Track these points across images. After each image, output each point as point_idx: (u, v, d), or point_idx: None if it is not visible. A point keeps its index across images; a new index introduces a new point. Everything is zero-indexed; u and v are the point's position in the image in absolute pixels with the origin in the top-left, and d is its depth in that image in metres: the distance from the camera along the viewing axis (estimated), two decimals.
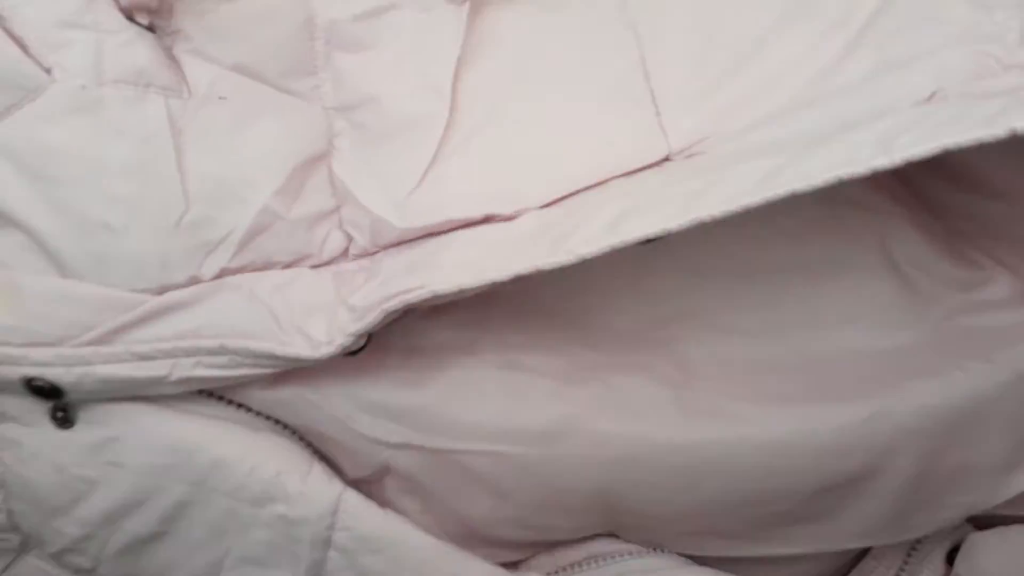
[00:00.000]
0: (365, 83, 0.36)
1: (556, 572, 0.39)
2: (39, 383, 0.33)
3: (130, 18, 0.34)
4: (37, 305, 0.33)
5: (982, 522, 0.41)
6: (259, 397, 0.36)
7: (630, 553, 0.39)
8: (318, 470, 0.36)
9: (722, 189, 0.30)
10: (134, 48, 0.34)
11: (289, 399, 0.36)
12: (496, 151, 0.35)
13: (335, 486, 0.36)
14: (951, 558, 0.41)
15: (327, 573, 0.35)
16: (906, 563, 0.41)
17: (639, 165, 0.35)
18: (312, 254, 0.36)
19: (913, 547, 0.41)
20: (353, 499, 0.35)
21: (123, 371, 0.33)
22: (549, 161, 0.35)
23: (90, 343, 0.33)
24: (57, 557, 0.36)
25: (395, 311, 0.33)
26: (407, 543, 0.36)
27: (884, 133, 0.29)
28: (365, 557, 0.35)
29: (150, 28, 0.35)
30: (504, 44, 0.37)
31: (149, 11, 0.35)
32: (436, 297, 0.32)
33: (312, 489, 0.35)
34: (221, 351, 0.33)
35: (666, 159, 0.35)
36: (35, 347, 0.33)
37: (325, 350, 0.33)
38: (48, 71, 0.33)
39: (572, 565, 0.39)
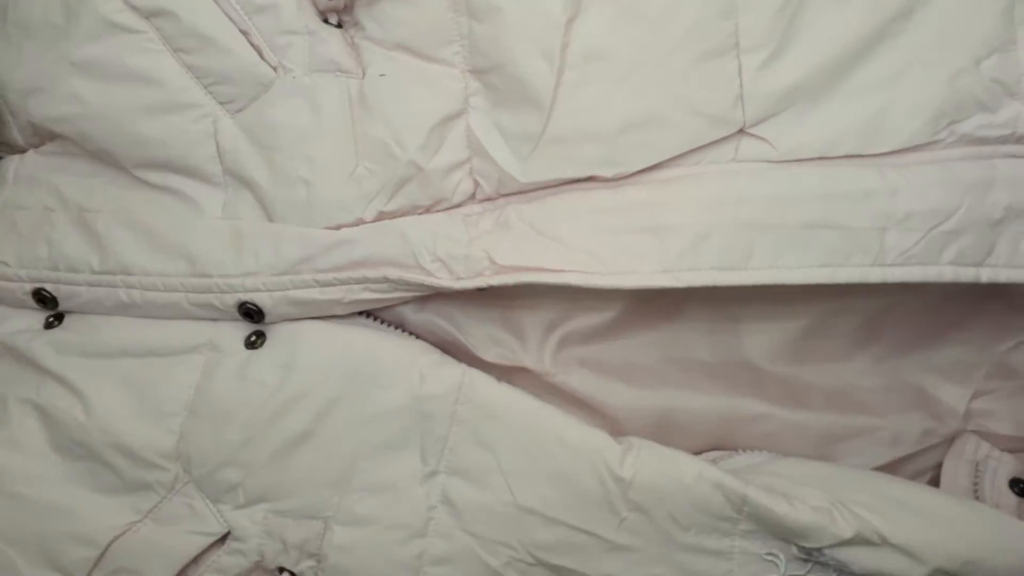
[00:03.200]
0: (493, 48, 0.42)
1: None
2: (250, 306, 0.43)
3: (325, 20, 0.44)
4: (252, 243, 0.43)
5: None
6: (407, 316, 0.45)
7: (737, 452, 0.45)
8: (447, 358, 0.44)
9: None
10: (328, 43, 0.43)
11: (429, 319, 0.44)
12: (598, 114, 0.41)
13: (460, 367, 0.43)
14: (1018, 491, 0.44)
15: (449, 448, 0.43)
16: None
17: (719, 136, 0.40)
18: (446, 198, 0.44)
19: (975, 489, 0.44)
20: (475, 374, 0.43)
21: (310, 295, 0.43)
22: (642, 128, 0.41)
23: (285, 272, 0.43)
24: (210, 477, 0.43)
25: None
26: (519, 406, 0.42)
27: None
28: (483, 423, 0.42)
29: (339, 24, 0.44)
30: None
31: (337, 11, 0.44)
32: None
33: (442, 370, 0.43)
34: (383, 280, 0.43)
35: (740, 131, 0.41)
36: (248, 276, 0.43)
37: (463, 283, 0.42)
38: (275, 69, 0.44)
39: None
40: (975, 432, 0.46)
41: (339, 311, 0.44)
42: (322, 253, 0.43)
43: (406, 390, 0.43)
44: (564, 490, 0.41)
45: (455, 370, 0.43)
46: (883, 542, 0.38)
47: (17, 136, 0.48)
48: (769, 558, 0.40)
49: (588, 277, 0.40)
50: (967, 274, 0.39)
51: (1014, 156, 0.40)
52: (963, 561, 0.38)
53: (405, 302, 0.44)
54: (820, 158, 0.40)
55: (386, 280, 0.42)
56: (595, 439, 0.41)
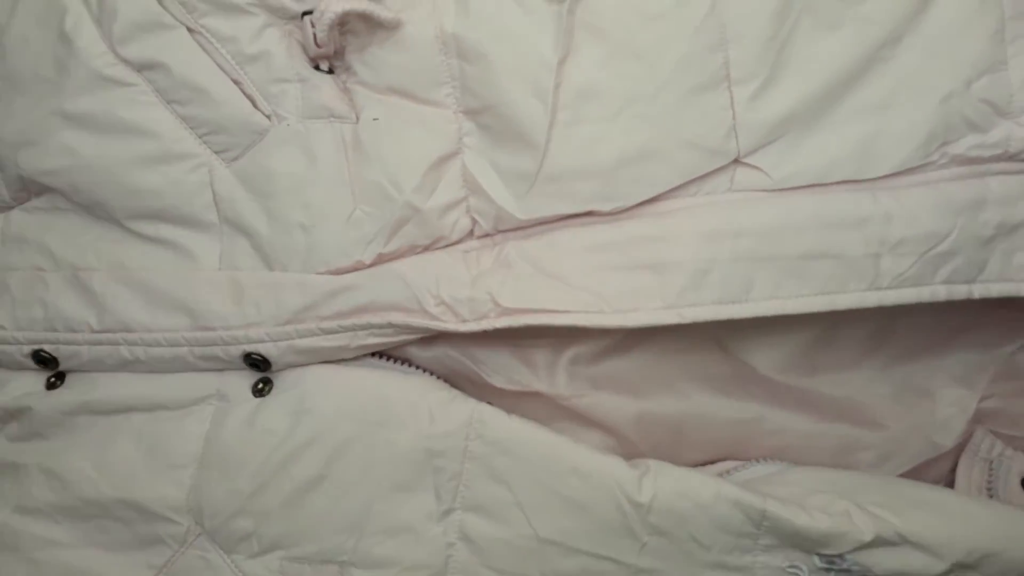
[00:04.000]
0: (485, 89, 0.43)
1: None
2: (255, 356, 0.43)
3: (316, 67, 0.44)
4: (252, 294, 0.43)
5: None
6: (413, 353, 0.45)
7: (750, 462, 0.46)
8: (456, 394, 0.44)
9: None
10: (321, 90, 0.44)
11: (437, 355, 0.45)
12: (593, 151, 0.42)
13: (470, 403, 0.44)
14: None
15: (464, 485, 0.43)
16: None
17: (715, 167, 0.41)
18: (444, 236, 0.44)
19: (988, 486, 0.46)
20: (484, 409, 0.43)
21: (315, 343, 0.43)
22: (637, 162, 0.42)
23: (288, 322, 0.43)
24: (223, 527, 0.43)
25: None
26: (531, 439, 0.43)
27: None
28: (496, 458, 0.43)
29: (330, 70, 0.44)
30: (602, 36, 0.42)
31: (328, 57, 0.44)
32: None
33: (451, 407, 0.43)
34: (388, 325, 0.43)
35: (735, 161, 0.42)
36: (251, 327, 0.43)
37: (469, 326, 0.42)
38: (269, 117, 0.44)
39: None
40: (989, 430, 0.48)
41: (346, 355, 0.44)
42: (324, 300, 0.43)
43: (416, 431, 0.43)
44: (583, 519, 0.42)
45: (465, 406, 0.43)
46: (902, 541, 0.40)
47: (4, 191, 0.48)
48: (792, 571, 0.41)
49: (592, 317, 0.41)
50: (960, 291, 0.41)
51: (1005, 173, 0.42)
52: (981, 555, 0.39)
53: (411, 342, 0.44)
54: (815, 185, 0.41)
55: (391, 326, 0.43)
56: (610, 466, 0.42)
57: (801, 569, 0.41)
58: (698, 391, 0.48)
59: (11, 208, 0.49)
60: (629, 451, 0.45)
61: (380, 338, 0.43)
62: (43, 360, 0.46)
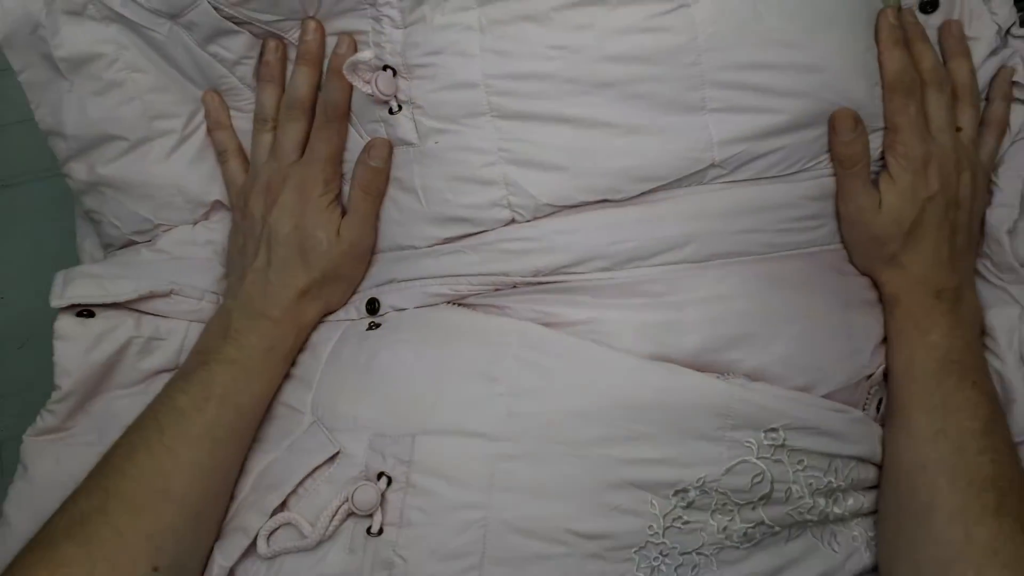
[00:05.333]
0: (518, 119, 0.56)
1: None
2: (375, 300, 0.61)
3: (390, 110, 0.59)
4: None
5: None
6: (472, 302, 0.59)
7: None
8: (513, 320, 0.58)
9: None
10: (395, 128, 0.59)
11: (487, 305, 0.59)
12: (606, 161, 0.55)
13: (520, 323, 0.57)
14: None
15: (512, 375, 0.54)
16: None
17: (696, 170, 0.55)
18: (491, 224, 0.57)
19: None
20: (529, 327, 0.57)
21: (408, 291, 0.61)
22: (638, 168, 0.55)
23: (392, 278, 0.62)
24: (330, 414, 0.57)
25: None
26: (565, 346, 0.55)
27: None
28: (536, 358, 0.55)
29: (399, 108, 0.59)
30: (610, 83, 0.54)
31: (394, 97, 0.59)
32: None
33: (501, 323, 0.57)
34: (463, 282, 0.58)
35: (711, 165, 0.55)
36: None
37: (526, 279, 0.56)
38: None
39: None
40: None
41: (428, 302, 0.59)
42: (416, 268, 0.60)
43: (486, 343, 0.56)
44: (599, 410, 0.52)
45: (516, 325, 0.56)
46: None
47: (189, 217, 0.67)
48: (747, 444, 0.53)
49: (608, 274, 0.55)
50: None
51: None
52: None
53: (476, 294, 0.58)
54: (758, 178, 0.56)
55: (466, 282, 0.57)
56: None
57: (751, 444, 0.53)
58: None
59: (194, 223, 0.68)
60: None
61: (452, 290, 0.58)
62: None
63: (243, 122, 0.65)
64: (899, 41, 0.58)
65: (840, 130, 0.56)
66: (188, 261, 0.66)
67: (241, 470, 0.57)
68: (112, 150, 0.64)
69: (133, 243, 0.67)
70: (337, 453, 0.54)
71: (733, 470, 0.52)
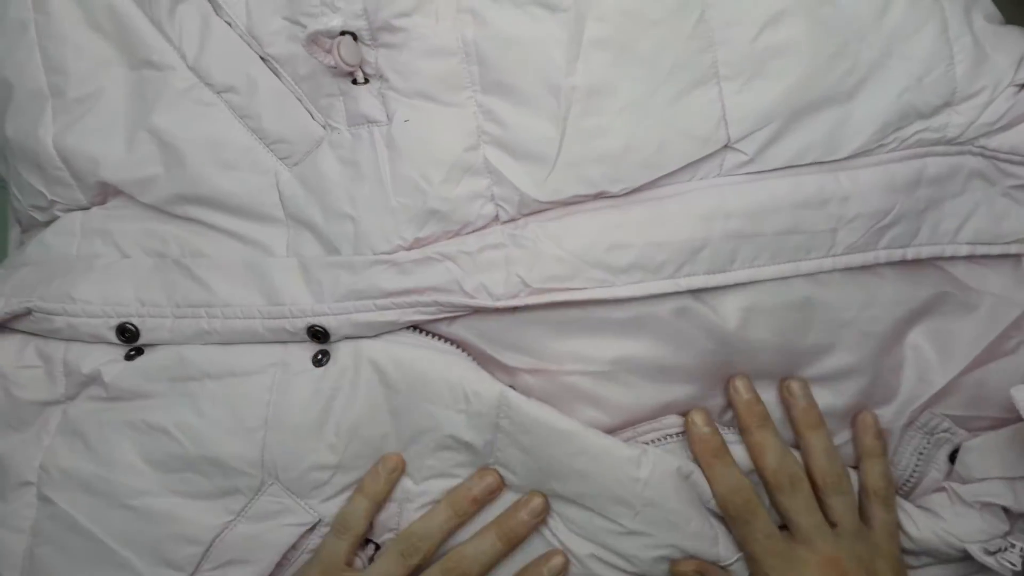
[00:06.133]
0: (504, 91, 0.48)
1: (662, 439, 0.51)
2: (317, 328, 0.50)
3: (354, 80, 0.50)
4: (316, 275, 0.51)
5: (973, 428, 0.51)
6: (444, 329, 0.51)
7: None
8: (485, 375, 0.50)
9: None
10: (359, 101, 0.50)
11: (459, 332, 0.51)
12: (603, 141, 0.48)
13: (497, 385, 0.49)
14: (952, 459, 0.51)
15: (498, 448, 0.50)
16: (917, 465, 0.52)
17: (708, 152, 0.48)
18: (471, 222, 0.49)
19: (920, 452, 0.52)
20: (510, 393, 0.49)
21: (370, 317, 0.50)
22: (641, 150, 0.48)
23: (345, 298, 0.50)
24: (299, 480, 0.50)
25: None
26: (549, 422, 0.49)
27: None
28: (520, 435, 0.49)
29: (366, 80, 0.50)
30: (607, 42, 0.48)
31: (360, 67, 0.50)
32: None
33: (482, 388, 0.49)
34: (433, 303, 0.49)
35: (725, 147, 0.48)
36: (315, 303, 0.50)
37: (502, 303, 0.48)
38: (324, 127, 0.51)
39: (676, 434, 0.51)
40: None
41: (394, 328, 0.50)
42: (375, 279, 0.49)
43: (455, 408, 0.50)
44: (591, 487, 0.49)
45: (494, 388, 0.49)
46: None
47: (81, 197, 0.55)
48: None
49: (605, 291, 0.48)
50: (896, 254, 0.49)
51: (940, 155, 0.49)
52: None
53: (445, 318, 0.50)
54: (790, 166, 0.48)
55: (436, 304, 0.49)
56: (613, 449, 0.49)
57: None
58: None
59: (88, 208, 0.56)
60: (620, 420, 0.51)
61: (423, 315, 0.49)
62: (125, 333, 0.51)
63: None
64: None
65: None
66: (64, 262, 0.54)
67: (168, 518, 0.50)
68: (11, 104, 0.55)
69: (37, 223, 0.58)
70: (318, 522, 0.51)
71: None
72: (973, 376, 0.51)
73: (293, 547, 0.51)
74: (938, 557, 0.51)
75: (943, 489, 0.52)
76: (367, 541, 0.51)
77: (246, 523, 0.50)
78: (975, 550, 0.48)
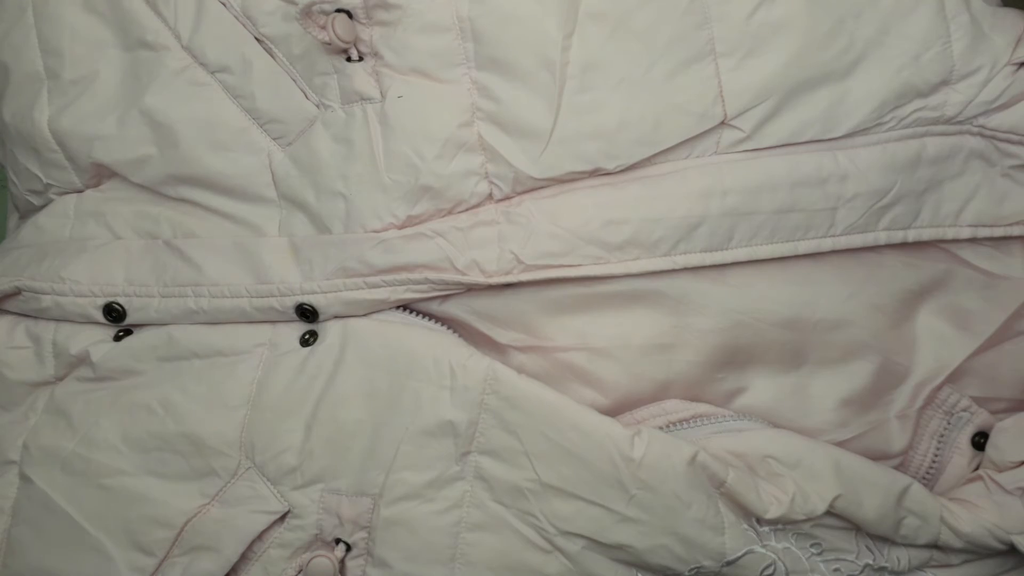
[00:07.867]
0: (498, 67, 0.48)
1: (667, 426, 0.48)
2: (306, 307, 0.50)
3: (348, 58, 0.50)
4: (307, 253, 0.50)
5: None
6: (433, 308, 0.50)
7: (727, 417, 0.49)
8: (473, 351, 0.49)
9: None
10: (352, 78, 0.50)
11: (451, 310, 0.50)
12: (598, 116, 0.47)
13: (486, 360, 0.48)
14: (976, 443, 0.49)
15: (480, 432, 0.48)
16: (938, 450, 0.50)
17: (704, 128, 0.47)
18: (465, 200, 0.49)
19: (940, 435, 0.50)
20: (499, 367, 0.48)
21: (359, 295, 0.49)
22: (637, 126, 0.47)
23: (335, 275, 0.49)
24: (271, 462, 0.48)
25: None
26: (539, 398, 0.47)
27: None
28: (508, 412, 0.47)
29: (360, 57, 0.50)
30: (602, 19, 0.47)
31: (354, 45, 0.49)
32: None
33: (471, 364, 0.48)
34: (424, 281, 0.48)
35: (722, 123, 0.48)
36: (305, 281, 0.50)
37: (495, 279, 0.48)
38: (317, 106, 0.51)
39: (680, 421, 0.49)
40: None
41: (384, 307, 0.50)
42: (365, 256, 0.49)
43: (440, 384, 0.48)
44: (581, 469, 0.46)
45: (482, 363, 0.48)
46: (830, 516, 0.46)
47: (76, 179, 0.55)
48: (748, 531, 0.46)
49: (600, 268, 0.47)
50: (897, 236, 0.48)
51: (940, 135, 0.49)
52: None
53: (438, 297, 0.50)
54: (787, 144, 0.48)
55: (427, 281, 0.48)
56: (606, 425, 0.47)
57: (756, 528, 0.46)
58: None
59: (83, 191, 0.55)
60: (617, 400, 0.50)
61: (415, 293, 0.49)
62: (113, 313, 0.51)
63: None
64: None
65: None
66: (57, 243, 0.54)
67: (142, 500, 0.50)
68: (8, 87, 0.55)
69: (34, 208, 0.57)
70: (287, 513, 0.49)
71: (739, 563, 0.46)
72: (987, 357, 0.50)
73: (259, 539, 0.49)
74: (980, 553, 0.47)
75: (979, 478, 0.48)
76: (337, 540, 0.49)
77: (219, 507, 0.49)
78: (1022, 542, 0.45)
